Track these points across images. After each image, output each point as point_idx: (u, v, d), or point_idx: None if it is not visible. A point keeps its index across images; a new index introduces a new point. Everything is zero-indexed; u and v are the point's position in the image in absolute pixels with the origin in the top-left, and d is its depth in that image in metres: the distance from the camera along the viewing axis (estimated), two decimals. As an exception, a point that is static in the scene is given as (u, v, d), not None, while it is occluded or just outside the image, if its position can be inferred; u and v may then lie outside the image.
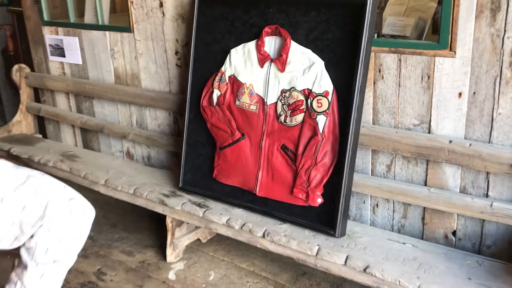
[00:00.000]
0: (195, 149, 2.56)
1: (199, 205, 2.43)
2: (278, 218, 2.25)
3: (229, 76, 2.35)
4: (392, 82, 2.06)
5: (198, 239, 2.77)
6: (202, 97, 2.46)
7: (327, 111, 2.07)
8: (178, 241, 2.63)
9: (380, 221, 2.28)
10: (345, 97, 2.05)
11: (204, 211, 2.37)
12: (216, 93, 2.40)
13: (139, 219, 3.07)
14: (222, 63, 2.39)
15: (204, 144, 2.53)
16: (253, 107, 2.28)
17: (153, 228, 2.97)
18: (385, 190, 2.14)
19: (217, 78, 2.39)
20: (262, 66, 2.23)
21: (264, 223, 2.24)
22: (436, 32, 2.02)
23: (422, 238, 2.17)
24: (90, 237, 3.05)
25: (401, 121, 2.08)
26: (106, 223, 3.10)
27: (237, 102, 2.33)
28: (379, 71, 2.08)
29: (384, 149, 2.11)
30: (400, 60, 2.01)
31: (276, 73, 2.20)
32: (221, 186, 2.48)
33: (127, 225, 3.06)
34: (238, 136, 2.35)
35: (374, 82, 2.11)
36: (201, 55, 2.48)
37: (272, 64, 2.21)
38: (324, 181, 2.12)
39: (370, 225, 2.32)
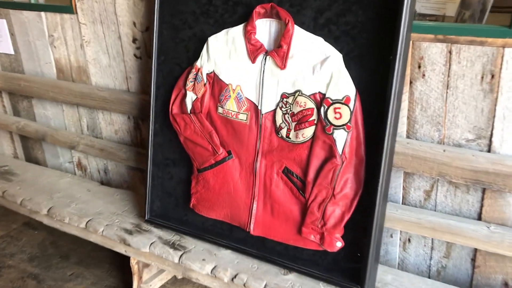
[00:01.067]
0: (165, 169, 1.94)
1: (173, 245, 1.83)
2: (281, 265, 1.68)
3: (207, 74, 1.73)
4: (437, 82, 1.49)
5: (174, 276, 2.19)
6: (172, 101, 1.83)
7: (348, 124, 1.49)
8: (148, 286, 2.03)
9: (413, 261, 1.75)
10: (373, 104, 1.48)
11: (181, 255, 1.78)
12: (190, 97, 1.77)
13: (98, 247, 2.44)
14: (197, 55, 1.76)
15: (176, 163, 1.91)
16: (242, 117, 1.67)
17: (116, 260, 2.36)
18: (426, 227, 1.59)
19: (191, 76, 1.76)
20: (253, 61, 1.62)
21: (263, 273, 1.66)
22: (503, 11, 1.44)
23: (471, 286, 1.65)
24: (34, 276, 2.52)
25: (448, 134, 1.52)
26: (55, 254, 2.48)
27: (220, 110, 1.72)
28: (419, 67, 1.50)
29: (424, 173, 1.55)
30: (450, 52, 1.43)
31: (273, 71, 1.60)
32: (201, 220, 1.88)
33: (82, 257, 2.44)
34: (223, 155, 1.74)
35: (410, 82, 1.53)
36: (168, 44, 1.84)
37: (268, 58, 1.60)
38: (346, 219, 1.56)
39: (398, 264, 1.78)
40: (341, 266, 1.60)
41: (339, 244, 1.58)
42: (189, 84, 1.76)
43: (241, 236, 1.79)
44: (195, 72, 1.75)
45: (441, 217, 1.57)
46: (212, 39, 1.70)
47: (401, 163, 1.57)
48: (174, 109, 1.83)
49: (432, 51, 1.47)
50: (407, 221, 1.62)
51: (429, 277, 1.70)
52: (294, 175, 1.63)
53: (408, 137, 1.60)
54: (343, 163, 1.51)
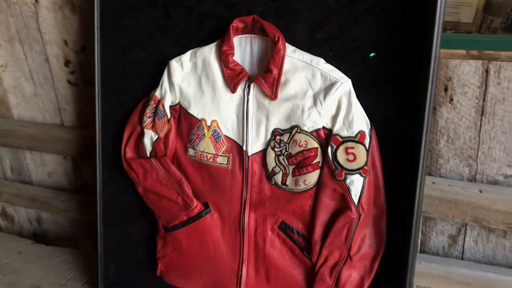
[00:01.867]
0: (120, 226, 1.53)
1: (139, 326, 1.43)
2: None
3: (171, 107, 1.34)
4: (469, 108, 1.20)
5: None
6: (124, 142, 1.42)
7: (365, 167, 1.16)
8: None
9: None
10: (394, 139, 1.17)
11: None
12: (149, 137, 1.38)
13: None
14: (155, 83, 1.37)
15: (134, 219, 1.51)
16: (221, 160, 1.30)
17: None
18: (459, 282, 1.30)
19: (149, 110, 1.36)
20: (233, 90, 1.25)
21: None
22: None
23: None
24: None
25: (481, 170, 1.24)
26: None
27: (191, 152, 1.34)
28: (445, 89, 1.21)
29: (455, 218, 1.26)
30: (487, 71, 1.15)
31: (261, 102, 1.24)
32: (172, 289, 1.49)
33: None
34: (198, 209, 1.36)
35: (434, 108, 1.23)
36: (115, 68, 1.43)
37: (253, 86, 1.24)
38: (366, 285, 1.24)
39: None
40: None
41: (358, 316, 1.25)
42: (147, 121, 1.36)
43: (227, 309, 1.42)
44: (154, 105, 1.36)
45: (476, 268, 1.29)
46: (174, 63, 1.32)
47: (425, 208, 1.28)
48: (128, 152, 1.42)
49: (463, 70, 1.17)
50: (434, 275, 1.32)
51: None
52: (295, 232, 1.28)
53: (429, 174, 1.30)
54: (360, 216, 1.19)
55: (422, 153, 1.10)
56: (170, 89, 1.34)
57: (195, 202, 1.36)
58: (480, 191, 1.21)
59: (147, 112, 1.36)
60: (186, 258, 1.40)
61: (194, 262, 1.40)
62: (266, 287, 1.34)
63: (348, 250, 1.21)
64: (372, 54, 1.14)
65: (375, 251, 1.22)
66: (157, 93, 1.35)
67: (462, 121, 1.21)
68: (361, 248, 1.21)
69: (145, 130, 1.38)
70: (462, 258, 1.35)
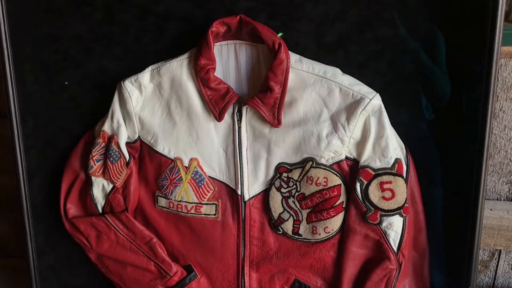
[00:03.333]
0: (66, 303, 1.15)
1: None
2: None
3: (129, 145, 0.98)
4: (513, 116, 0.99)
5: None
6: (63, 196, 1.04)
7: (406, 205, 0.90)
8: None
9: None
10: (432, 162, 0.93)
11: None
12: (100, 187, 1.01)
13: None
14: (99, 112, 1.00)
15: (86, 292, 1.13)
16: (207, 210, 0.98)
17: None
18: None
19: (96, 150, 0.99)
20: (219, 118, 0.92)
21: None
22: None
23: None
24: None
25: (523, 186, 1.04)
26: None
27: (163, 202, 0.99)
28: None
29: (498, 246, 1.06)
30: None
31: (259, 130, 0.93)
32: None
33: None
34: (179, 274, 1.02)
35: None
36: (37, 95, 1.03)
37: (246, 109, 0.92)
38: None
39: None
40: None
41: None
42: (95, 166, 0.99)
43: None
44: (103, 144, 0.98)
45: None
46: (129, 85, 0.95)
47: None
48: (71, 209, 1.04)
49: (509, 72, 0.95)
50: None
51: None
52: (313, 291, 1.00)
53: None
54: (400, 265, 0.93)
55: (483, 177, 0.86)
56: (125, 121, 0.97)
57: (174, 267, 1.02)
58: (530, 215, 1.01)
59: (94, 154, 0.99)
60: (167, 339, 1.07)
61: None
62: None
63: (387, 307, 0.95)
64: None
65: (419, 304, 0.98)
66: (106, 128, 0.98)
67: (505, 132, 1.00)
68: (402, 302, 0.96)
69: (93, 178, 1.00)
70: (493, 286, 1.16)
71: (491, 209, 1.03)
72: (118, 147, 0.97)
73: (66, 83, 1.00)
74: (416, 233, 0.95)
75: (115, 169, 0.98)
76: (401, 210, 0.90)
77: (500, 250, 1.10)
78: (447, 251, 0.96)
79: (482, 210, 0.89)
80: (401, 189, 0.89)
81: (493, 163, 1.03)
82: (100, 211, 1.02)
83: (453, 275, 0.96)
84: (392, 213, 0.90)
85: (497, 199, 1.06)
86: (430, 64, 0.90)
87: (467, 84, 0.88)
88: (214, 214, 0.98)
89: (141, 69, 0.95)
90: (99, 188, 1.01)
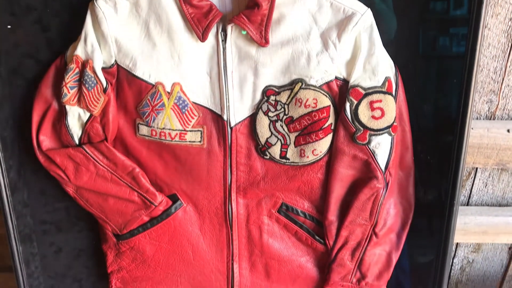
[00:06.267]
0: (43, 239, 1.11)
1: None
2: None
3: (105, 70, 0.92)
4: (499, 34, 0.98)
5: None
6: (35, 127, 0.97)
7: (394, 124, 0.90)
8: None
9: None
10: (419, 76, 0.92)
11: None
12: (76, 116, 0.95)
13: None
14: (71, 36, 0.92)
15: (63, 227, 1.10)
16: (192, 137, 0.94)
17: None
18: (475, 232, 1.16)
19: (70, 77, 0.92)
20: (203, 38, 0.87)
21: None
22: None
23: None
24: None
25: (504, 105, 1.06)
26: None
27: (144, 130, 0.95)
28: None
29: (477, 164, 1.09)
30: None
31: (244, 51, 0.89)
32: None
33: None
34: (165, 204, 1.00)
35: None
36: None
37: (231, 28, 0.87)
38: (395, 260, 1.03)
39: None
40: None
41: (384, 295, 1.05)
42: (69, 93, 0.93)
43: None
44: (76, 69, 0.92)
45: (492, 213, 1.15)
46: (102, 4, 0.88)
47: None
48: (44, 141, 0.98)
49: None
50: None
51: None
52: (300, 213, 1.00)
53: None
54: (387, 184, 0.94)
55: (471, 96, 0.87)
56: (100, 44, 0.90)
57: (159, 197, 0.99)
58: (508, 131, 1.04)
59: (67, 80, 0.92)
60: (154, 268, 1.06)
61: (165, 272, 1.06)
62: (267, 284, 1.06)
63: (373, 226, 0.97)
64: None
65: (403, 220, 1.00)
66: (79, 52, 0.91)
67: (489, 50, 1.00)
68: (387, 221, 0.98)
69: (67, 107, 0.94)
70: (467, 204, 1.20)
71: (472, 128, 1.04)
72: (94, 72, 0.91)
73: (9, 26, 0.92)
74: (403, 152, 0.95)
75: (91, 96, 0.92)
76: (390, 129, 0.90)
77: (477, 168, 1.14)
78: (432, 169, 0.98)
79: (469, 129, 0.89)
80: (390, 108, 0.89)
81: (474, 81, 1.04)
82: (77, 142, 0.97)
83: (437, 193, 0.98)
84: (381, 132, 0.90)
85: (477, 118, 1.08)
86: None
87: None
88: (200, 141, 0.95)
89: (114, -14, 0.88)
90: (75, 117, 0.95)
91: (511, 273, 1.31)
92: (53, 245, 1.11)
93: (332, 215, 0.98)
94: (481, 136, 1.04)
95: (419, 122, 0.95)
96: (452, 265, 1.32)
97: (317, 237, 1.01)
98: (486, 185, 1.17)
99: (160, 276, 1.06)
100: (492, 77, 1.02)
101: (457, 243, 1.26)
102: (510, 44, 0.98)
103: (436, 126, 0.97)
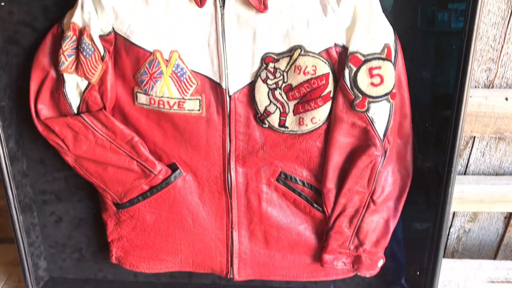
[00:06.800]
0: (43, 209, 1.12)
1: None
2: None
3: (102, 37, 0.91)
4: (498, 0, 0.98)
5: None
6: (33, 96, 0.97)
7: (393, 91, 0.90)
8: None
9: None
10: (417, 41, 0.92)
11: None
12: (74, 84, 0.95)
13: None
14: (66, 3, 0.91)
15: (63, 197, 1.11)
16: (191, 105, 0.94)
17: None
18: (472, 200, 1.17)
19: (67, 45, 0.91)
20: (201, 4, 0.86)
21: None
22: None
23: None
24: None
25: (503, 73, 1.06)
26: None
27: (143, 99, 0.95)
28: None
29: (474, 133, 1.09)
30: None
31: (243, 17, 0.88)
32: (135, 276, 1.16)
33: None
34: (164, 173, 1.01)
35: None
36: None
37: (230, -6, 0.87)
38: (392, 227, 1.04)
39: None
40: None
41: (381, 263, 1.07)
42: (67, 61, 0.92)
43: (216, 285, 1.15)
44: (74, 37, 0.91)
45: (489, 182, 1.16)
46: (99, -32, 0.87)
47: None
48: (43, 110, 0.97)
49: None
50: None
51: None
52: (299, 182, 1.01)
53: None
54: (385, 152, 0.95)
55: (470, 64, 0.86)
56: (97, 11, 0.89)
57: (159, 166, 1.00)
58: (507, 99, 1.04)
59: (65, 48, 0.91)
60: (154, 237, 1.07)
61: (165, 240, 1.07)
62: (266, 252, 1.08)
63: (371, 193, 0.98)
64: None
65: (401, 188, 1.01)
66: (76, 19, 0.90)
67: (488, 17, 0.99)
68: (385, 188, 0.99)
69: (65, 75, 0.94)
70: (464, 174, 1.21)
71: (470, 96, 1.04)
72: (91, 39, 0.90)
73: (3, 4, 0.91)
74: (401, 119, 0.96)
75: (89, 64, 0.92)
76: (389, 96, 0.90)
77: (475, 138, 1.14)
78: (430, 137, 0.98)
79: (467, 96, 0.89)
80: (389, 74, 0.89)
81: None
82: (76, 111, 0.97)
83: (434, 161, 0.99)
84: (380, 99, 0.90)
85: (475, 87, 1.08)
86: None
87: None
88: (198, 110, 0.95)
89: (110, -49, 0.86)
90: (73, 86, 0.95)
91: (506, 242, 1.32)
92: (53, 215, 1.12)
93: (331, 183, 0.98)
94: (479, 105, 1.04)
95: (417, 90, 0.95)
96: (448, 234, 1.34)
97: (315, 205, 1.02)
98: (483, 154, 1.18)
99: (160, 244, 1.07)
100: (491, 45, 1.02)
101: (454, 213, 1.27)
102: (510, 11, 0.98)
103: (435, 94, 0.97)
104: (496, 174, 1.20)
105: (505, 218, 1.28)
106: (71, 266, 1.17)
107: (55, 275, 1.18)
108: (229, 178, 1.00)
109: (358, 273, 1.07)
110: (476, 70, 1.05)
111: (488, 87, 1.07)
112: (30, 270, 1.13)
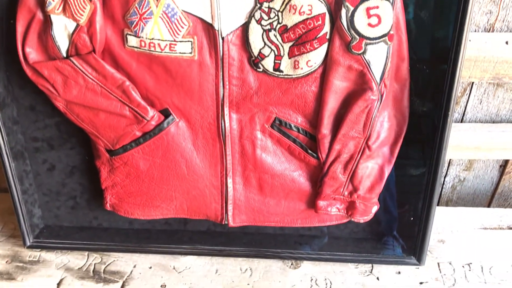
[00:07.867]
0: (35, 157, 1.11)
1: (97, 276, 1.12)
2: (284, 256, 1.14)
3: (90, -24, 0.88)
4: None
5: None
6: (20, 39, 0.94)
7: (391, 32, 0.88)
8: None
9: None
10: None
11: (122, 290, 1.09)
12: (62, 26, 0.92)
13: None
14: None
15: (55, 144, 1.10)
16: (182, 48, 0.92)
17: None
18: (468, 148, 1.16)
19: (53, -16, 0.88)
20: None
21: (264, 275, 1.10)
22: None
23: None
24: None
25: (504, 16, 1.03)
26: None
27: (133, 41, 0.92)
28: None
29: (472, 78, 1.07)
30: None
31: (236, -47, 0.84)
32: (131, 223, 1.17)
33: None
34: (157, 119, 0.99)
35: None
36: None
37: None
38: (387, 173, 1.03)
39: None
40: (376, 234, 1.13)
41: (375, 209, 1.07)
42: (54, 2, 0.89)
43: (216, 239, 1.15)
44: (59, -24, 0.87)
45: (486, 129, 1.15)
46: None
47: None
48: (31, 53, 0.95)
49: None
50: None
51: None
52: (293, 128, 1.00)
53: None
54: (382, 96, 0.93)
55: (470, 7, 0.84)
56: None
57: (151, 111, 0.98)
58: (507, 43, 1.01)
59: (50, -13, 0.88)
60: (148, 183, 1.07)
61: (159, 186, 1.07)
62: (260, 198, 1.08)
63: (367, 139, 0.97)
64: None
65: (396, 134, 1.00)
66: (61, -45, 0.86)
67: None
68: (380, 133, 0.98)
69: (52, 16, 0.90)
70: (461, 121, 1.20)
71: (470, 40, 1.02)
72: (77, -22, 0.86)
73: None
74: (399, 62, 0.93)
75: (76, 4, 0.88)
76: (386, 37, 0.87)
77: (473, 83, 1.12)
78: (427, 82, 0.96)
79: (466, 41, 0.87)
80: (387, 14, 0.86)
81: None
82: (64, 54, 0.94)
83: (431, 106, 0.97)
84: (377, 41, 0.87)
85: (475, 31, 1.05)
86: None
87: None
88: (190, 53, 0.92)
89: None
90: (61, 28, 0.91)
91: (500, 191, 1.33)
92: (46, 163, 1.11)
93: (325, 128, 0.97)
94: (479, 49, 1.01)
95: (415, 33, 0.92)
96: (443, 184, 1.34)
97: (310, 151, 1.01)
98: (481, 101, 1.16)
99: (155, 191, 1.07)
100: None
101: (450, 161, 1.27)
102: None
103: (433, 37, 0.94)
104: (493, 122, 1.19)
105: (500, 166, 1.28)
106: (65, 213, 1.17)
107: (50, 223, 1.19)
108: (222, 124, 0.99)
109: (352, 219, 1.07)
110: (477, 13, 1.02)
111: (488, 31, 1.04)
112: (25, 218, 1.13)
